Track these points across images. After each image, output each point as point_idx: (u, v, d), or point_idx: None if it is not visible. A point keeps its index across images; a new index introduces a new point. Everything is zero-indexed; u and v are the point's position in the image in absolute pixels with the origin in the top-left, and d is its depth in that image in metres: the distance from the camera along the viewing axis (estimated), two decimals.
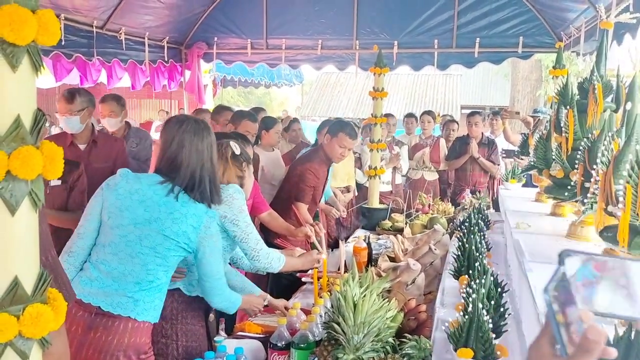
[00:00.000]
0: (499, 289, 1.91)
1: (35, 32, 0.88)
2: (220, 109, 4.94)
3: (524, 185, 4.08)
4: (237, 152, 2.44)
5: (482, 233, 2.67)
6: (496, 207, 4.52)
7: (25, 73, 0.90)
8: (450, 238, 3.23)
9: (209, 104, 8.10)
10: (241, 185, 2.42)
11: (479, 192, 4.97)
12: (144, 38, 6.01)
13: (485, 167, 5.85)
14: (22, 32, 0.86)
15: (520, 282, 2.06)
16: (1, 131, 0.88)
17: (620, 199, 1.40)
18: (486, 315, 1.63)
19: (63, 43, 4.78)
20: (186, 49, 6.82)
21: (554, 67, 3.74)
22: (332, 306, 1.96)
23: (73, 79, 5.82)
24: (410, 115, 6.76)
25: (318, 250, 3.05)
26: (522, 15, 5.84)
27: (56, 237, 1.31)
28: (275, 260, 2.43)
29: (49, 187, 3.01)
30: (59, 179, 3.01)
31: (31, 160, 0.89)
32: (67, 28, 4.84)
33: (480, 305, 1.63)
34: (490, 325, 1.63)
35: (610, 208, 1.54)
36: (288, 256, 2.62)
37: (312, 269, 2.81)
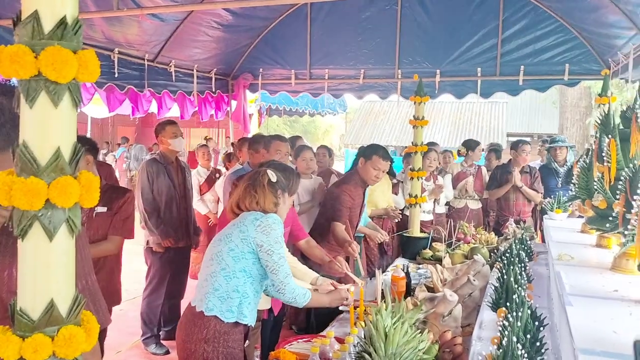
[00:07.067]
0: (537, 323, 1.85)
1: (75, 71, 0.95)
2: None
3: (569, 216, 3.96)
4: (274, 179, 2.52)
5: (522, 264, 2.60)
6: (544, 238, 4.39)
7: (66, 108, 0.98)
8: (491, 269, 3.16)
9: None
10: (276, 212, 2.48)
11: (524, 221, 4.84)
12: (192, 70, 6.26)
13: (529, 196, 5.71)
14: (64, 72, 0.93)
15: (561, 316, 1.99)
16: (42, 162, 0.95)
17: None
18: (521, 349, 1.58)
19: (116, 75, 5.04)
20: (233, 80, 7.04)
21: (599, 95, 3.64)
22: (364, 336, 1.95)
23: (125, 109, 6.08)
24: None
25: (354, 281, 3.04)
26: (568, 43, 5.73)
27: None
28: (300, 296, 2.43)
29: (94, 213, 3.12)
30: (104, 205, 3.12)
31: (69, 190, 0.96)
32: (121, 61, 5.11)
33: (515, 339, 1.59)
34: None
35: None
36: (315, 292, 2.65)
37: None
